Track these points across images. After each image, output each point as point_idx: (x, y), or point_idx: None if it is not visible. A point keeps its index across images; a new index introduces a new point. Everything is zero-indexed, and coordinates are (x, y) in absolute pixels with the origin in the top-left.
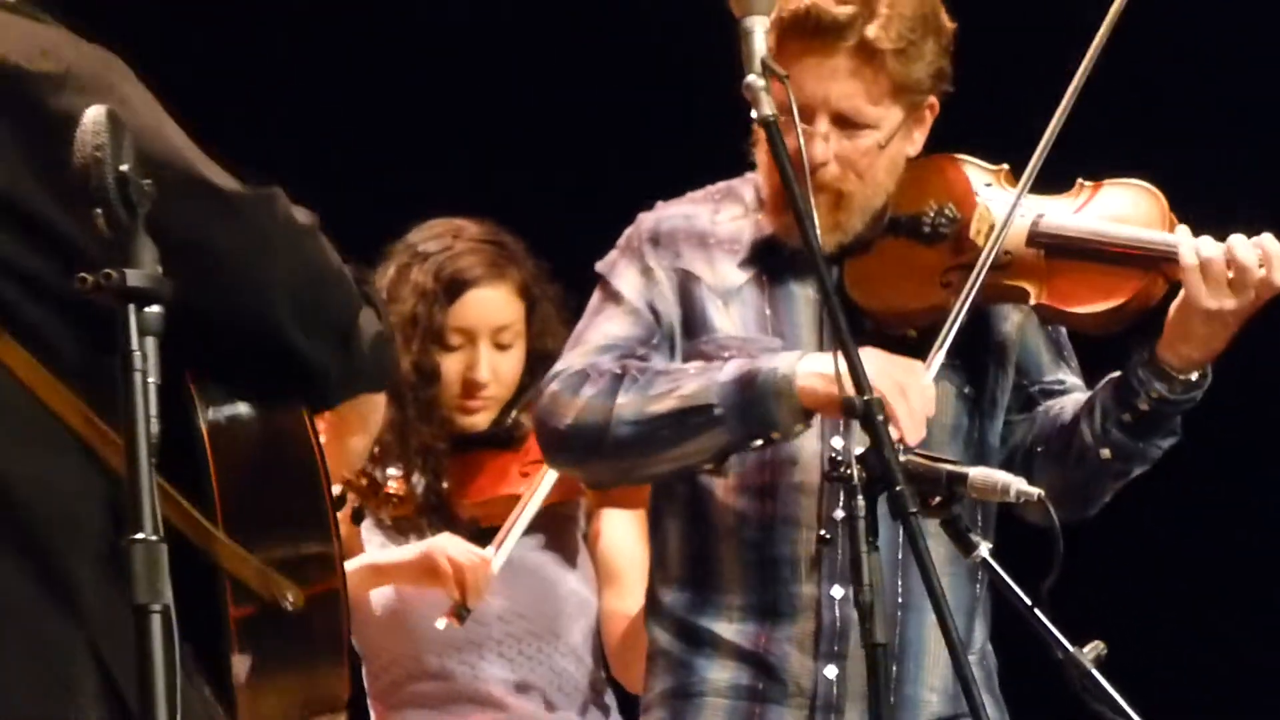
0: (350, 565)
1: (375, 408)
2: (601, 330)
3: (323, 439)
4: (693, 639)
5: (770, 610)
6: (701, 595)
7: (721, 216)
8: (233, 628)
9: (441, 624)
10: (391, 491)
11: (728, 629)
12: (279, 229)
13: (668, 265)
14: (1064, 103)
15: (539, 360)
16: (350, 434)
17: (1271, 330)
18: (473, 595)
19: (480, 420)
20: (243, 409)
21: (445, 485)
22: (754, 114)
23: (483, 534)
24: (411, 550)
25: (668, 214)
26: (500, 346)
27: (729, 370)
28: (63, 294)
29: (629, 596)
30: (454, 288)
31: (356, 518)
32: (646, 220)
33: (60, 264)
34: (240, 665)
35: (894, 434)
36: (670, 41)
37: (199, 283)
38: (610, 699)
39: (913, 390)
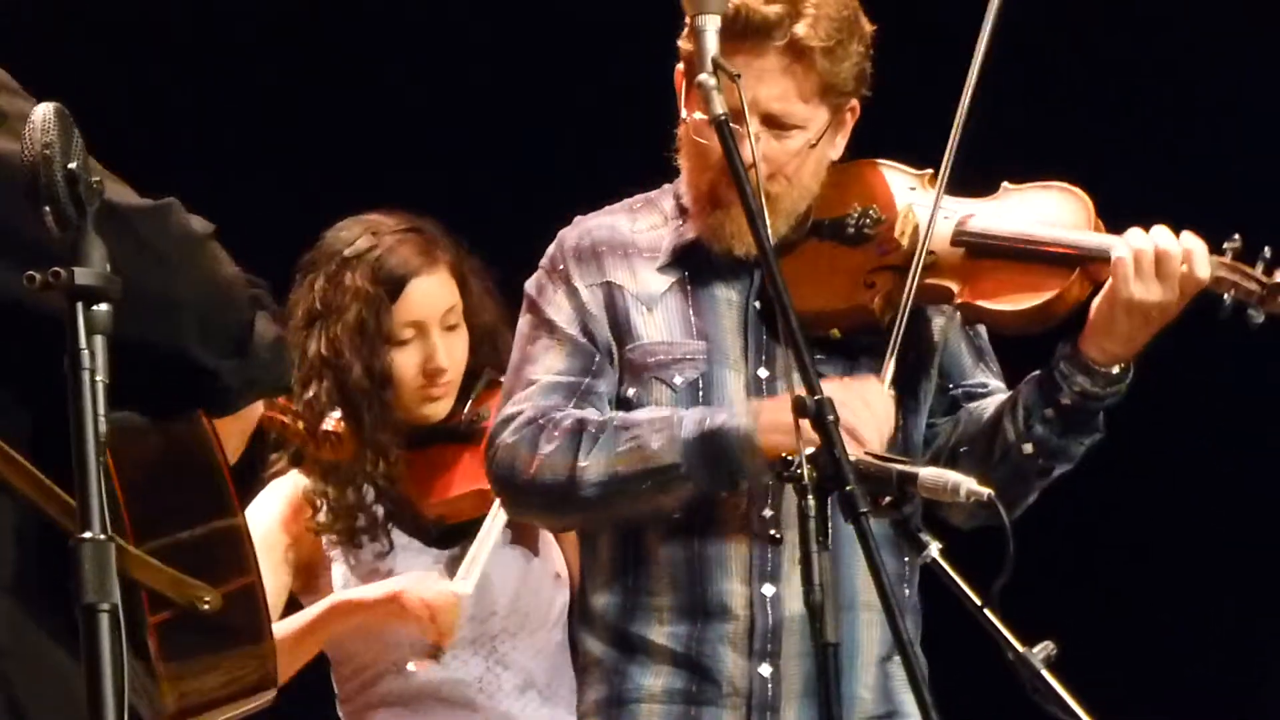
0: (318, 606)
1: (251, 409)
2: (542, 364)
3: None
4: (625, 646)
5: (701, 610)
6: (632, 599)
7: (640, 225)
8: (152, 633)
9: (412, 667)
10: (329, 430)
11: (659, 632)
12: (177, 243)
13: (593, 280)
14: (966, 91)
15: (480, 337)
16: (232, 442)
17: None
18: (447, 636)
19: (442, 407)
20: (139, 417)
21: (400, 488)
22: (684, 113)
23: (449, 532)
24: (380, 589)
25: (589, 226)
26: (449, 329)
27: (689, 426)
28: None
29: None
30: (394, 284)
31: (295, 459)
32: (569, 237)
33: None
34: (163, 665)
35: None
36: (601, 41)
37: None
38: None
39: (875, 402)
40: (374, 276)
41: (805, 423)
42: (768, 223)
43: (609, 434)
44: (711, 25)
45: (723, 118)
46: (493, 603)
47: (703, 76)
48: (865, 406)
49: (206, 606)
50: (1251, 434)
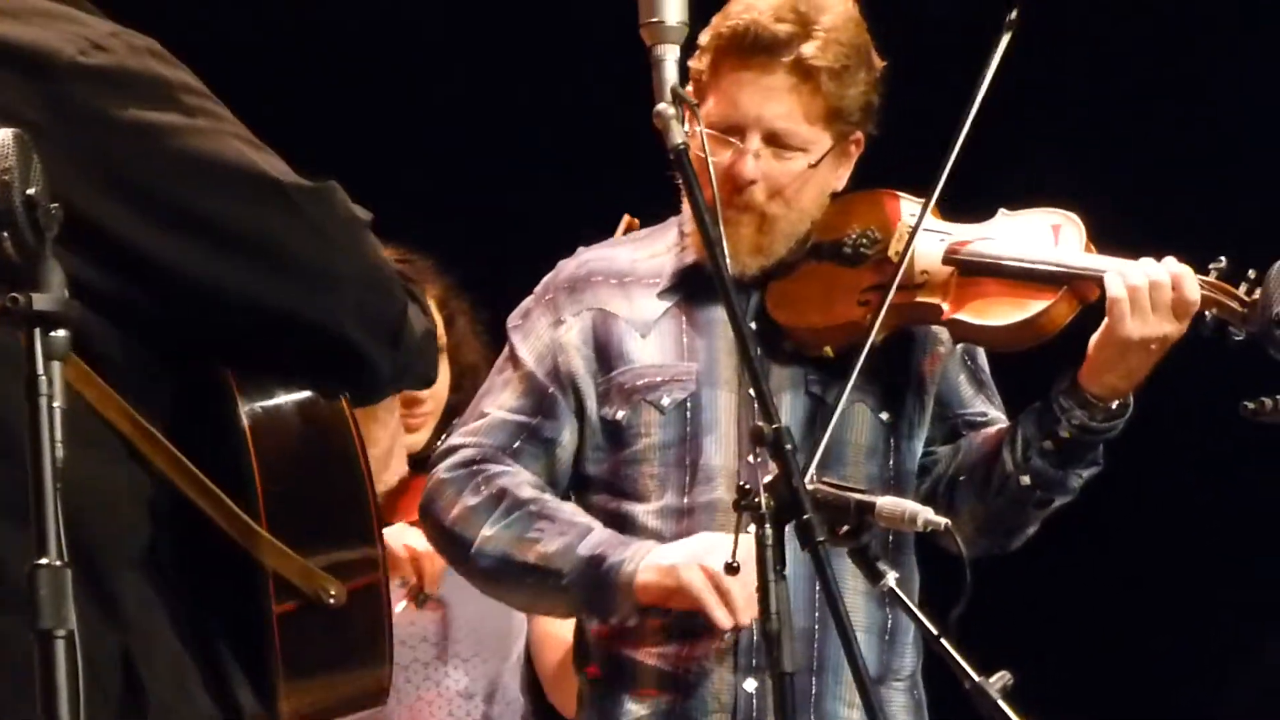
0: None
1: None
2: (498, 399)
3: None
4: (615, 671)
5: (689, 628)
6: (625, 624)
7: (641, 254)
8: (275, 624)
9: (400, 607)
10: None
11: (649, 654)
12: (341, 224)
13: (582, 308)
14: (969, 110)
15: (461, 374)
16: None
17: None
18: (430, 581)
19: (420, 438)
20: (284, 403)
21: None
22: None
23: None
24: None
25: (587, 257)
26: None
27: (587, 544)
28: (114, 300)
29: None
30: None
31: None
32: (566, 266)
33: (112, 271)
34: (281, 660)
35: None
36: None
37: (261, 277)
38: None
39: (720, 576)
40: None
41: (689, 578)
42: (726, 251)
43: (520, 516)
44: (670, 55)
45: (681, 147)
46: (439, 625)
47: (661, 106)
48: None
49: (332, 600)
50: (1220, 454)
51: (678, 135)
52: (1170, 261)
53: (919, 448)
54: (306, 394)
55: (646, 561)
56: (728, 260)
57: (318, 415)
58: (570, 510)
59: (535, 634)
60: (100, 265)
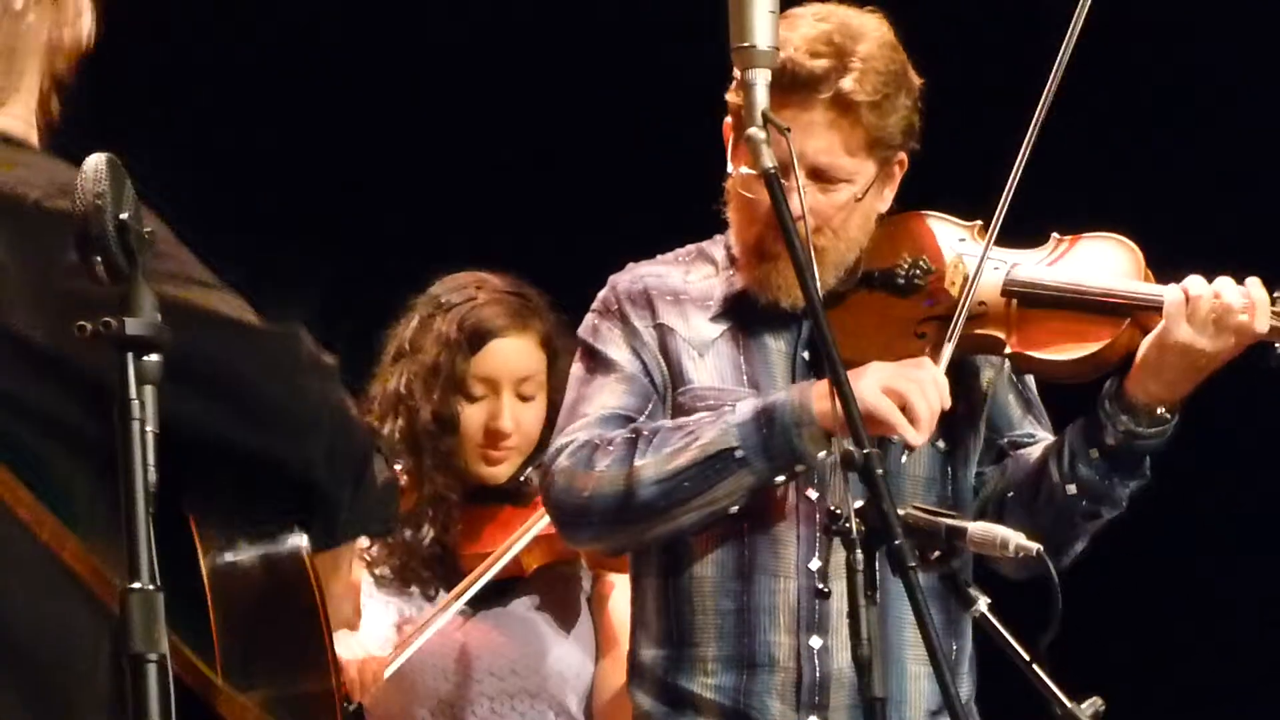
0: None
1: (345, 557)
2: (597, 402)
3: None
4: (673, 699)
5: (748, 661)
6: (679, 652)
7: (693, 276)
8: None
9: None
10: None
11: (706, 685)
12: (308, 368)
13: (648, 322)
14: (1025, 142)
15: (556, 412)
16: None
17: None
18: (357, 692)
19: (502, 471)
20: (244, 553)
21: (451, 537)
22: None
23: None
24: None
25: (640, 273)
26: (523, 397)
27: (742, 411)
28: (84, 436)
29: (624, 664)
30: (477, 337)
31: None
32: (621, 280)
33: (74, 406)
34: None
35: (907, 436)
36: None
37: (228, 416)
38: None
39: (928, 385)
40: (460, 325)
41: (876, 400)
42: (817, 276)
43: (662, 435)
44: (761, 79)
45: (772, 171)
46: (508, 660)
47: (752, 130)
48: (917, 384)
49: None
50: None
51: (768, 160)
52: (1252, 285)
53: (972, 474)
54: (268, 547)
55: (820, 388)
56: (779, 294)
57: (278, 565)
58: (703, 414)
59: (596, 675)
60: (63, 404)
